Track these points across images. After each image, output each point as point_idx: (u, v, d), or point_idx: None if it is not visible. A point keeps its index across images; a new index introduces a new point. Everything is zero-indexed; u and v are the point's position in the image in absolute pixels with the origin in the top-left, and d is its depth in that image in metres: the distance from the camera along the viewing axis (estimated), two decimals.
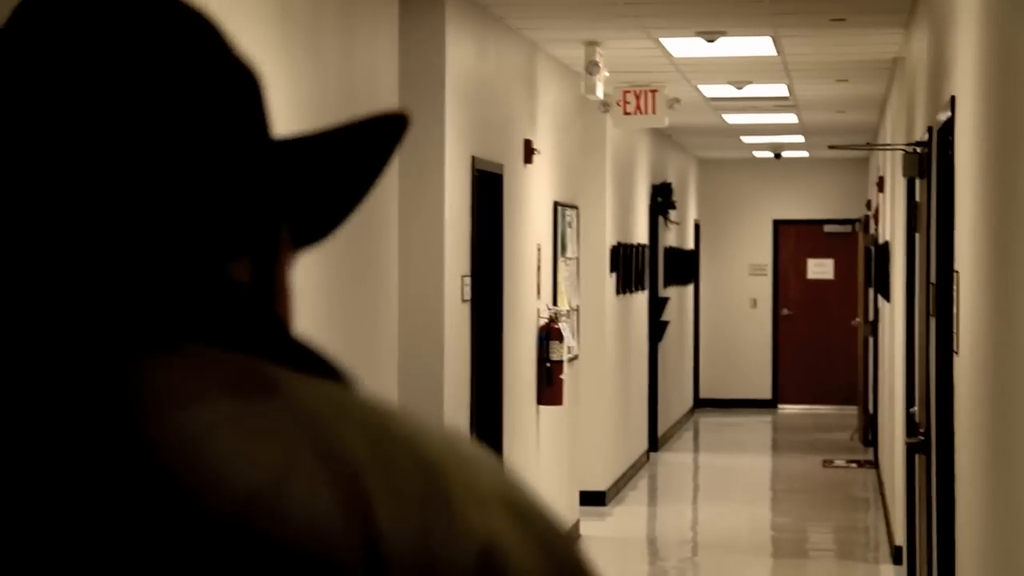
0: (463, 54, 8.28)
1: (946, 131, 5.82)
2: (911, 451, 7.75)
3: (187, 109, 1.09)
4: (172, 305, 1.06)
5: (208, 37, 1.14)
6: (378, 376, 6.55)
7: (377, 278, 6.59)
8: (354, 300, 6.24)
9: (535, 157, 9.95)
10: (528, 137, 9.89)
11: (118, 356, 1.05)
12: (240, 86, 1.14)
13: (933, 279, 6.30)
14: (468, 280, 8.35)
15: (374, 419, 1.06)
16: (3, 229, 1.06)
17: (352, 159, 1.16)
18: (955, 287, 5.40)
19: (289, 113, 5.42)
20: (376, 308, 6.57)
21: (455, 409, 8.04)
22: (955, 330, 5.40)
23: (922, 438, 6.75)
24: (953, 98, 5.54)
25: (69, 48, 1.08)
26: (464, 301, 8.29)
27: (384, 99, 6.74)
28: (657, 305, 16.38)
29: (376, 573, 0.99)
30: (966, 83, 5.14)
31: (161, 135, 1.07)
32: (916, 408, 7.27)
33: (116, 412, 1.02)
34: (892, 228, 11.19)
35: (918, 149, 7.31)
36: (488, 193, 8.87)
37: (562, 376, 10.47)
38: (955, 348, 5.44)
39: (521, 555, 1.02)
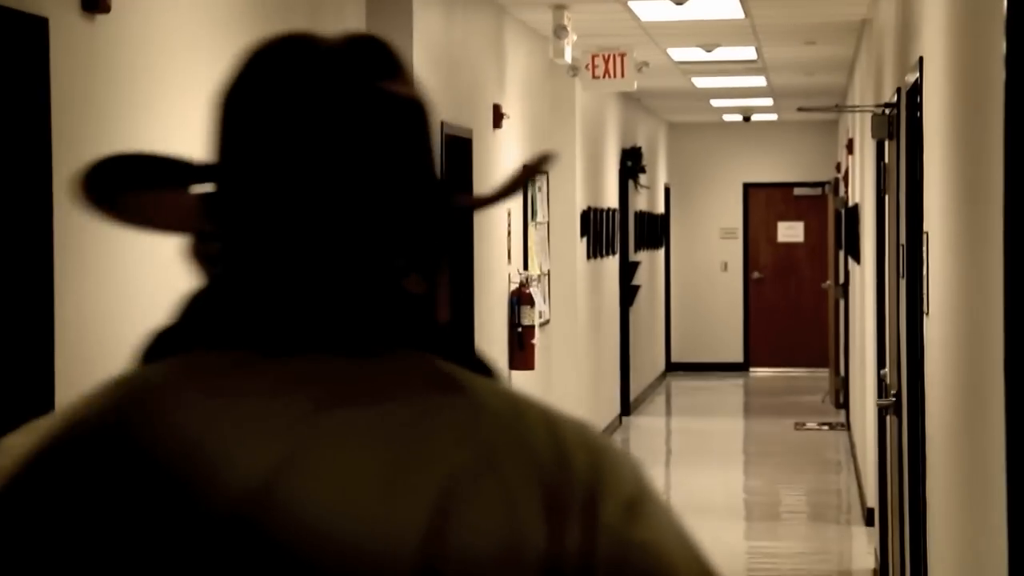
0: (430, 19, 8.24)
1: (914, 92, 5.82)
2: (882, 413, 7.77)
3: (386, 170, 1.36)
4: (377, 316, 1.34)
5: (401, 79, 1.42)
6: None
7: None
8: None
9: (504, 122, 9.93)
10: (497, 102, 9.86)
11: (346, 357, 1.32)
12: (420, 133, 1.39)
13: (903, 241, 6.31)
14: None
15: (543, 413, 1.38)
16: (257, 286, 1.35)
17: (495, 196, 1.51)
18: (924, 248, 5.41)
19: None
20: None
21: None
22: (925, 291, 5.41)
23: (893, 400, 6.77)
24: (921, 59, 5.54)
25: (290, 111, 1.34)
26: None
27: None
28: (628, 269, 16.39)
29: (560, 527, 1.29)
30: (934, 44, 5.13)
31: (367, 190, 1.34)
32: (887, 370, 7.29)
33: (346, 397, 1.30)
34: (862, 190, 11.21)
35: (887, 111, 7.31)
36: (458, 158, 8.85)
37: (534, 341, 10.47)
38: (925, 309, 5.45)
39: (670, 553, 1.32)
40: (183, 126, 4.70)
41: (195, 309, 1.37)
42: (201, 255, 1.38)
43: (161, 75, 4.53)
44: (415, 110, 1.40)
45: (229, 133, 1.37)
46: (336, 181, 1.34)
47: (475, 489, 1.27)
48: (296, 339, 1.33)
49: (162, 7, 4.52)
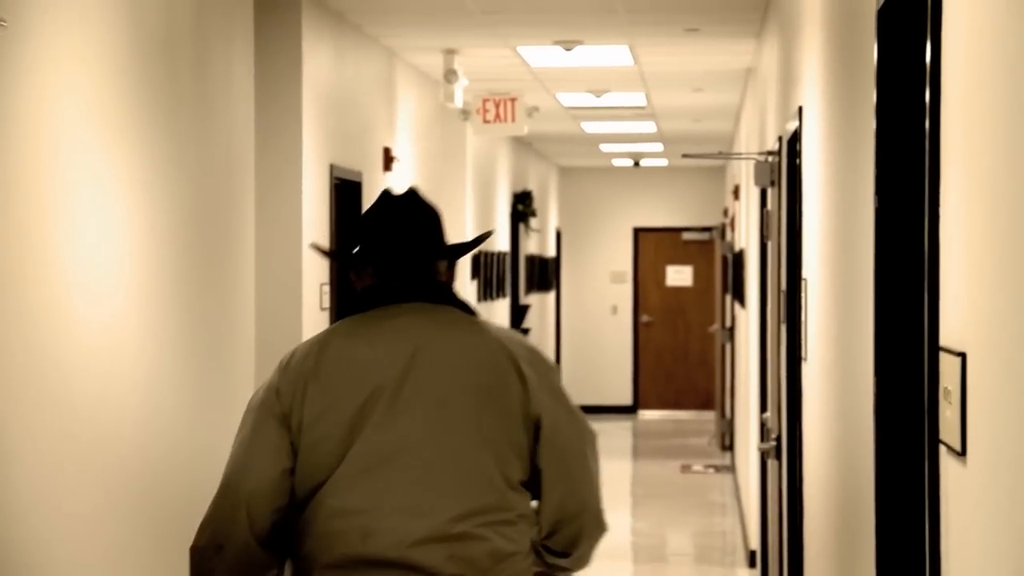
0: (320, 62, 8.26)
1: (794, 141, 5.92)
2: (764, 456, 7.86)
3: (436, 232, 3.56)
4: (441, 292, 3.54)
5: (429, 208, 3.60)
6: (234, 383, 6.51)
7: (234, 286, 6.55)
8: (210, 308, 6.20)
9: (394, 165, 9.96)
10: (387, 145, 9.89)
11: (413, 304, 3.51)
12: (439, 221, 3.59)
13: (783, 287, 6.40)
14: (327, 288, 8.34)
15: (510, 334, 3.50)
16: (385, 272, 3.54)
17: (467, 245, 3.61)
18: (802, 295, 5.49)
19: (143, 120, 5.37)
20: (233, 316, 6.53)
21: None
22: (802, 337, 5.49)
23: (774, 444, 6.85)
24: (800, 108, 5.63)
25: (396, 215, 3.55)
26: (323, 309, 8.28)
27: (240, 107, 6.70)
28: (519, 312, 16.44)
29: (526, 395, 3.42)
30: (812, 94, 5.23)
31: (432, 242, 3.55)
32: (768, 414, 7.38)
33: (426, 325, 3.50)
34: (747, 236, 11.34)
35: (769, 158, 7.42)
36: (348, 201, 8.86)
37: None
38: (803, 355, 5.53)
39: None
40: (67, 150, 4.69)
41: (364, 297, 3.51)
42: (361, 279, 3.54)
43: (47, 104, 4.53)
44: (435, 215, 3.58)
45: (373, 234, 3.53)
46: (420, 249, 3.52)
47: (492, 363, 3.40)
48: (407, 298, 3.49)
49: (48, 41, 4.52)
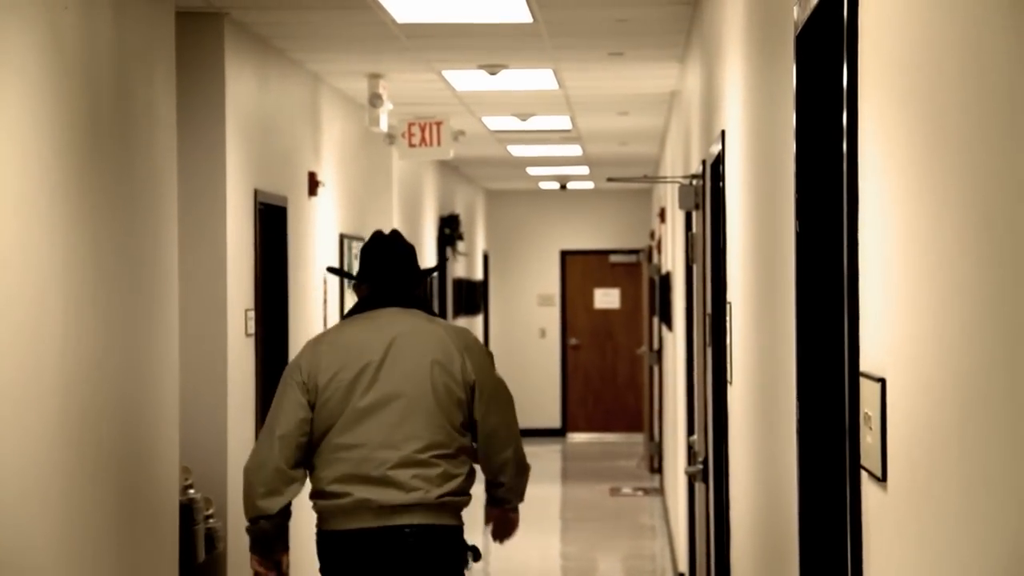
0: (244, 87, 8.22)
1: (718, 164, 5.93)
2: (692, 479, 7.86)
3: (411, 260, 5.48)
4: (412, 300, 5.44)
5: (407, 244, 5.55)
6: (159, 410, 6.45)
7: (157, 312, 6.49)
8: (134, 335, 6.14)
9: (320, 189, 9.92)
10: (312, 169, 9.85)
11: (392, 308, 5.43)
12: (414, 254, 5.54)
13: (709, 310, 6.41)
14: (252, 314, 8.28)
15: (460, 329, 5.47)
16: (381, 286, 5.49)
17: (430, 270, 5.75)
18: (727, 317, 5.50)
19: (62, 146, 5.32)
20: (157, 342, 6.47)
21: (240, 444, 7.96)
22: (728, 360, 5.50)
23: (701, 467, 6.86)
24: (723, 132, 5.65)
25: (384, 248, 5.49)
26: (248, 335, 8.22)
27: (163, 133, 6.66)
28: None
29: (465, 368, 5.32)
30: (734, 117, 5.25)
31: (407, 267, 5.46)
32: (696, 437, 7.38)
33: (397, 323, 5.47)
34: (673, 258, 11.37)
35: (693, 181, 7.44)
36: (272, 226, 8.82)
37: None
38: (729, 378, 5.54)
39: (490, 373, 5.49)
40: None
41: (361, 303, 5.43)
42: (360, 290, 5.48)
43: None
44: (412, 250, 5.48)
45: (369, 261, 5.46)
46: (399, 271, 5.44)
47: (443, 347, 5.28)
48: (389, 304, 5.39)
49: None
